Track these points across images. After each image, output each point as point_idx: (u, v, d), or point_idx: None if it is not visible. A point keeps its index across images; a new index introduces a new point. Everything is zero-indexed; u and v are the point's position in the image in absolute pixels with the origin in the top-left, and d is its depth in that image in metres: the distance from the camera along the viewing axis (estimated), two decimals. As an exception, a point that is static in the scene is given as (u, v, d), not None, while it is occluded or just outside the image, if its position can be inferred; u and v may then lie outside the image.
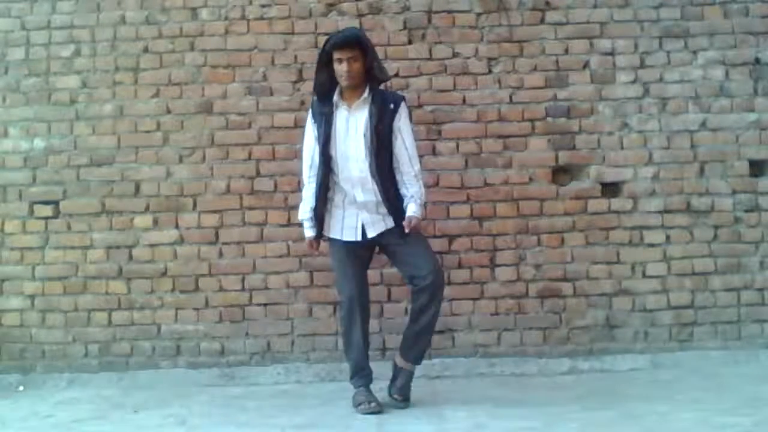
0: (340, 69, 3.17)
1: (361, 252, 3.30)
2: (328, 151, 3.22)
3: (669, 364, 3.84)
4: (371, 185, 3.19)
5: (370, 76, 3.23)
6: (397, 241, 3.22)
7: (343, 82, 3.20)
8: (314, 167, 3.28)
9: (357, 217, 3.23)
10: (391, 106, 3.24)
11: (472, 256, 4.01)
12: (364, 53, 3.18)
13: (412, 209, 3.19)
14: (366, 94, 3.23)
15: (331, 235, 3.28)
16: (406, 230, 3.15)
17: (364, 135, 3.19)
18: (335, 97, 3.24)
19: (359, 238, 3.23)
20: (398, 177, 3.25)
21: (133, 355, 4.02)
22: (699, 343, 3.97)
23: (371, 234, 3.23)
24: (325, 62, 3.22)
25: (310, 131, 3.31)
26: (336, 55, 3.17)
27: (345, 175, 3.21)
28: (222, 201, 4.07)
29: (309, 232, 3.32)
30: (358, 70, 3.18)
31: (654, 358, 3.90)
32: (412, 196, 3.22)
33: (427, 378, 3.77)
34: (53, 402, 3.61)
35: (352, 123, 3.22)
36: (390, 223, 3.22)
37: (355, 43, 3.18)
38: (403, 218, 3.18)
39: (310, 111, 3.35)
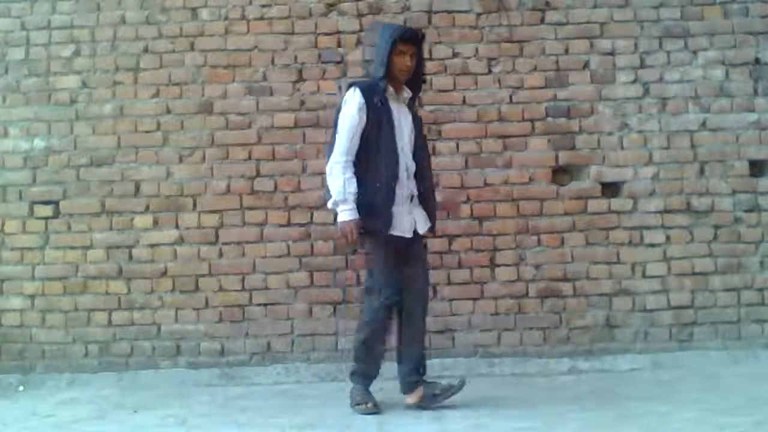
0: (404, 62, 3.14)
1: (403, 252, 3.18)
2: (395, 144, 3.13)
3: (669, 364, 3.84)
4: (416, 181, 3.21)
5: (415, 77, 3.25)
6: (415, 248, 3.22)
7: (403, 76, 3.18)
8: (351, 152, 3.09)
9: (411, 212, 3.20)
10: (415, 107, 3.34)
11: (472, 256, 4.02)
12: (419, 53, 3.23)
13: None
14: (407, 92, 3.25)
15: (395, 232, 3.11)
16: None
17: (411, 131, 3.23)
18: (389, 90, 3.17)
19: (411, 235, 3.19)
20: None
21: (133, 355, 4.02)
22: (699, 343, 3.97)
23: (421, 230, 3.23)
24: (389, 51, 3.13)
25: (361, 115, 3.10)
26: (401, 48, 3.13)
27: (402, 169, 3.15)
28: (222, 201, 4.07)
29: (353, 215, 3.05)
30: (413, 68, 3.20)
31: (654, 358, 3.90)
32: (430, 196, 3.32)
33: (428, 378, 3.77)
34: (53, 402, 3.60)
35: (402, 118, 3.21)
36: (427, 223, 3.25)
37: (420, 42, 3.22)
38: (434, 222, 3.27)
39: (359, 95, 3.11)
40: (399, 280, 3.14)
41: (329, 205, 3.17)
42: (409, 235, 3.17)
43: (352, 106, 3.12)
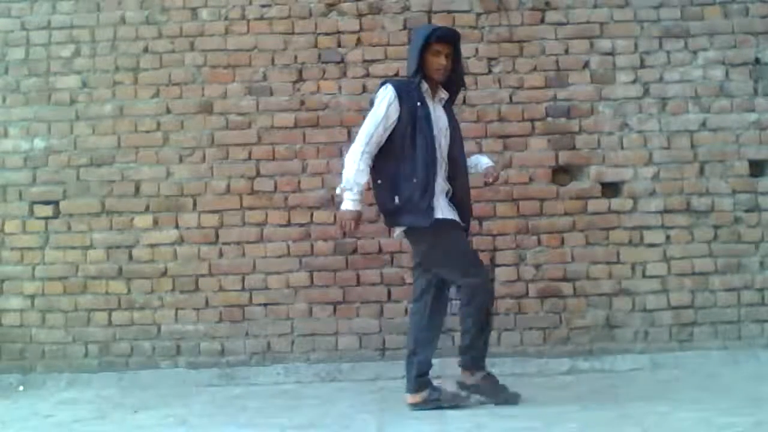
0: (438, 62, 3.14)
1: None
2: (434, 140, 3.12)
3: (669, 364, 3.84)
4: (449, 180, 3.21)
5: (452, 78, 3.24)
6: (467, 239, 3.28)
7: (438, 75, 3.16)
8: (372, 145, 3.08)
9: (450, 206, 3.19)
10: (452, 108, 3.33)
11: (472, 256, 4.01)
12: (455, 54, 3.21)
13: (486, 161, 3.37)
14: (444, 93, 3.25)
15: (447, 216, 3.12)
16: (486, 179, 3.30)
17: (447, 130, 3.21)
18: (424, 88, 3.17)
19: (462, 222, 3.20)
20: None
21: (133, 355, 4.02)
22: (699, 343, 3.97)
23: (463, 222, 3.23)
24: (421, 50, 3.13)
25: (391, 111, 3.08)
26: (436, 47, 3.12)
27: (439, 166, 3.15)
28: (222, 201, 4.07)
29: (356, 206, 3.05)
30: (449, 68, 3.19)
31: (654, 358, 3.90)
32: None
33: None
34: (53, 402, 3.61)
35: (438, 118, 3.20)
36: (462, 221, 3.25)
37: (456, 41, 3.21)
38: (467, 220, 3.26)
39: (392, 90, 3.10)
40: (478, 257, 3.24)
41: (337, 191, 3.15)
42: (458, 219, 3.17)
43: (382, 102, 3.11)
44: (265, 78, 4.13)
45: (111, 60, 4.14)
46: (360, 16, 4.13)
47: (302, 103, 4.10)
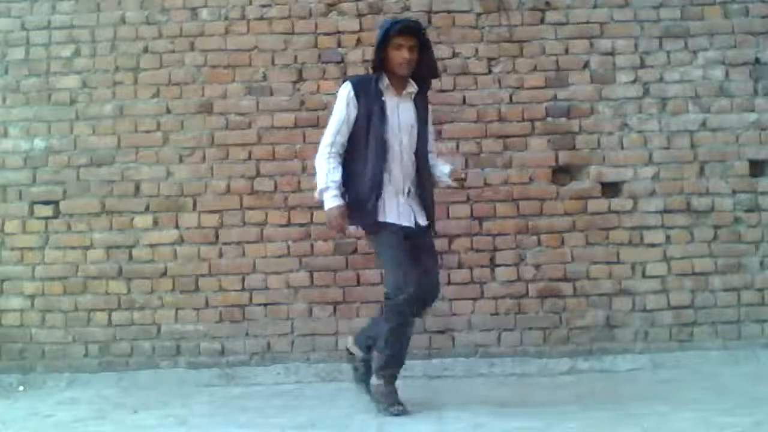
0: (400, 56, 3.10)
1: (407, 242, 3.11)
2: (385, 137, 3.10)
3: (669, 364, 3.84)
4: (416, 177, 3.19)
5: (421, 70, 3.19)
6: (424, 241, 3.21)
7: (401, 70, 3.13)
8: (337, 145, 3.13)
9: (409, 205, 3.17)
10: (427, 101, 3.30)
11: (472, 256, 4.02)
12: (421, 45, 3.16)
13: (448, 167, 3.28)
14: (413, 87, 3.21)
15: (388, 220, 3.09)
16: (455, 177, 3.21)
17: (412, 127, 3.18)
18: (384, 83, 3.15)
19: (413, 225, 3.15)
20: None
21: (133, 355, 4.02)
22: (699, 343, 3.96)
23: (422, 222, 3.18)
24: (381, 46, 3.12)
25: (350, 109, 3.12)
26: (398, 41, 3.09)
27: (397, 163, 3.14)
28: (222, 201, 4.07)
29: (336, 201, 3.07)
30: (415, 61, 3.14)
31: (654, 358, 3.90)
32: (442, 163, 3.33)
33: (428, 378, 3.78)
34: (53, 402, 3.60)
35: (402, 114, 3.17)
36: (426, 219, 3.22)
37: (419, 32, 3.15)
38: (433, 220, 3.24)
39: (350, 88, 3.13)
40: (412, 271, 3.03)
41: (316, 195, 3.18)
42: (407, 223, 3.13)
43: (340, 100, 3.16)
44: (265, 78, 4.13)
45: (111, 60, 4.15)
46: (360, 16, 4.13)
47: (302, 103, 4.10)
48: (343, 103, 3.14)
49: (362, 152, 3.11)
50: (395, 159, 3.13)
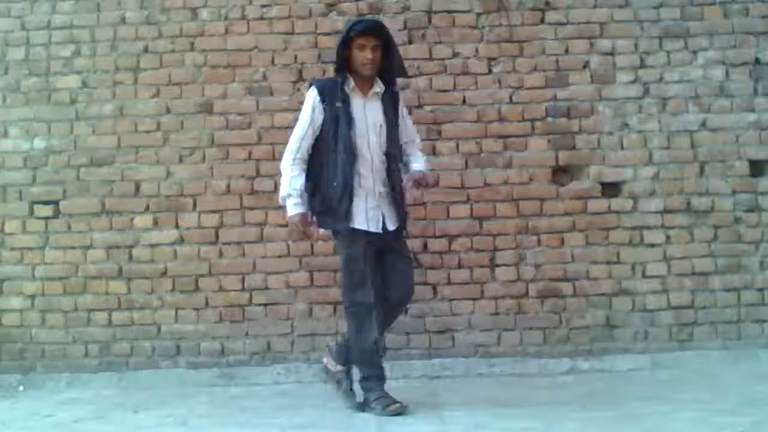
0: (364, 56, 3.10)
1: (374, 248, 3.13)
2: (354, 140, 3.10)
3: (669, 364, 3.84)
4: (386, 178, 3.18)
5: (387, 69, 3.19)
6: (395, 244, 3.20)
7: (365, 70, 3.13)
8: (302, 150, 3.15)
9: (379, 208, 3.16)
10: (397, 98, 3.29)
11: (472, 256, 4.01)
12: (385, 45, 3.16)
13: (419, 165, 3.27)
14: (379, 87, 3.20)
15: (356, 226, 3.10)
16: (412, 183, 3.21)
17: (381, 127, 3.17)
18: (350, 85, 3.15)
19: (380, 230, 3.14)
20: (404, 155, 3.30)
21: (133, 355, 4.02)
22: (699, 343, 3.96)
23: (390, 227, 3.17)
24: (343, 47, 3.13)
25: (315, 114, 3.14)
26: (360, 41, 3.09)
27: (366, 166, 3.13)
28: (222, 201, 4.07)
29: (297, 209, 3.11)
30: (379, 60, 3.14)
31: (654, 358, 3.90)
32: (419, 158, 3.31)
33: (427, 378, 3.78)
34: (53, 402, 3.60)
35: (369, 114, 3.16)
36: (397, 221, 3.21)
37: (381, 32, 3.15)
38: (404, 221, 3.22)
39: (315, 93, 3.15)
40: (373, 282, 3.09)
41: (280, 202, 3.22)
42: (374, 229, 3.12)
43: (306, 104, 3.19)
44: (265, 78, 4.12)
45: (111, 60, 4.14)
46: (360, 16, 4.11)
47: (302, 103, 4.08)
48: (309, 107, 3.17)
49: (331, 156, 3.12)
50: (365, 161, 3.14)
